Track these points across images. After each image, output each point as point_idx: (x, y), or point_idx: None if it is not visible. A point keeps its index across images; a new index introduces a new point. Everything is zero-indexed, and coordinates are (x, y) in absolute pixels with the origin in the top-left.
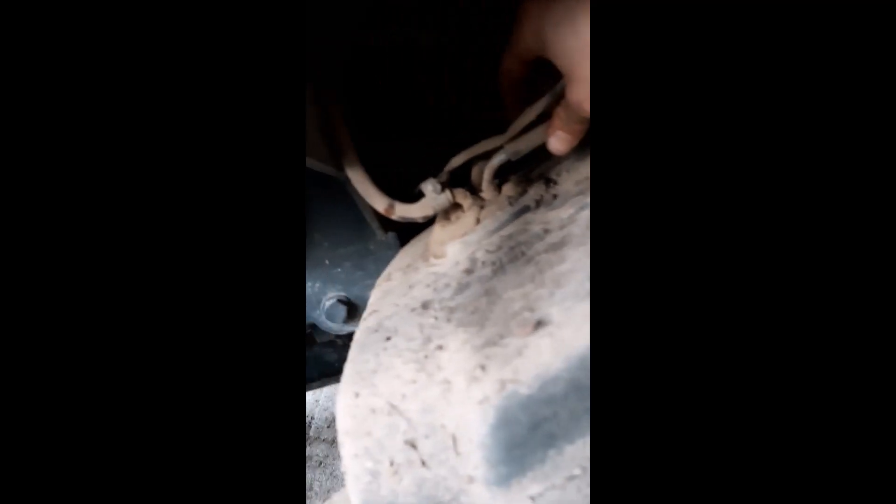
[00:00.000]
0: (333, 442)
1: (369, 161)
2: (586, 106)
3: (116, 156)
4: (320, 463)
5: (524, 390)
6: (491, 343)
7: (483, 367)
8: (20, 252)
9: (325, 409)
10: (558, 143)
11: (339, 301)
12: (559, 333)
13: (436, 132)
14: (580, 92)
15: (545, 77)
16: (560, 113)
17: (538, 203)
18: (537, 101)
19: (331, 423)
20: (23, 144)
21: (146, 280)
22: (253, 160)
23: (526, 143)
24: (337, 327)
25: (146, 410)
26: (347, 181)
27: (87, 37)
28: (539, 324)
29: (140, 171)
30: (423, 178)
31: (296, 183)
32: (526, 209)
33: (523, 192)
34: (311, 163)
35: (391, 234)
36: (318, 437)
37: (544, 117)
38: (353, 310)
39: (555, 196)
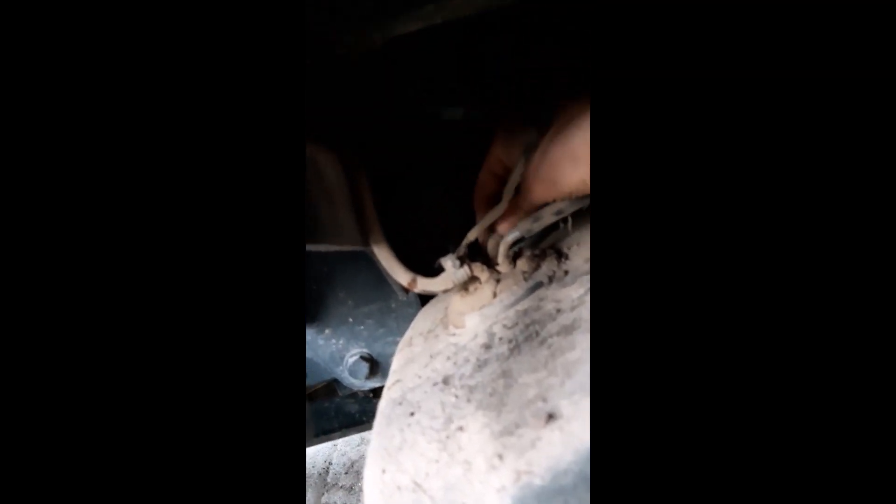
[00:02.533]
0: (351, 489)
1: (392, 231)
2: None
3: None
4: None
5: (537, 481)
6: (507, 432)
7: (500, 457)
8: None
9: (343, 455)
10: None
11: (362, 358)
12: (568, 427)
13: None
14: (526, 201)
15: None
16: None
17: (550, 279)
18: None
19: (349, 469)
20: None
21: (151, 328)
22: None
23: (539, 223)
24: (359, 383)
25: (145, 450)
26: (372, 254)
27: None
28: (550, 417)
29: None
30: (443, 251)
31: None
32: (539, 285)
33: (537, 267)
34: (343, 244)
35: (412, 294)
36: (336, 484)
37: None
38: (375, 366)
39: (566, 272)
